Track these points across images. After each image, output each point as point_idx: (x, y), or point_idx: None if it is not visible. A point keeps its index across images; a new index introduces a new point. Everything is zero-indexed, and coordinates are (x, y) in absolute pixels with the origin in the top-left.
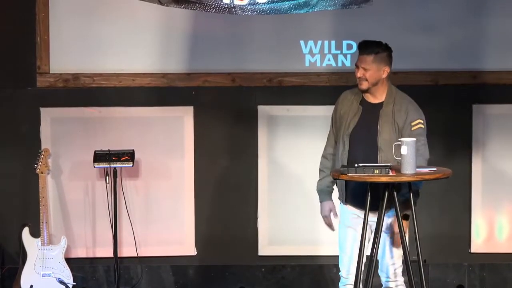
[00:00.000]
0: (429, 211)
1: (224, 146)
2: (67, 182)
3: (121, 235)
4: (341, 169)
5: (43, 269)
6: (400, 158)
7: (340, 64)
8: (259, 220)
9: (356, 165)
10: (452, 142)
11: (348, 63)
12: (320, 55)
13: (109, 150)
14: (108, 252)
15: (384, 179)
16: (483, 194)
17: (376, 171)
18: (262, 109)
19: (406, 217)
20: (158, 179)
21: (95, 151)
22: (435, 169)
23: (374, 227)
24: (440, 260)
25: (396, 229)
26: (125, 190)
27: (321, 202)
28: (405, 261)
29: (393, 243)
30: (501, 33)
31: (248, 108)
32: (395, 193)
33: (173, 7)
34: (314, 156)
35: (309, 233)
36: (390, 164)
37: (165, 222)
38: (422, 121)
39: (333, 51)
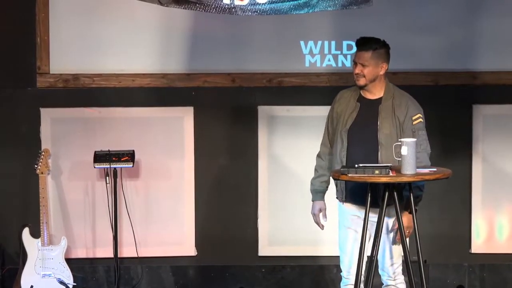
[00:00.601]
0: (429, 211)
1: (224, 147)
2: (67, 182)
3: (121, 235)
4: (341, 169)
5: (43, 269)
6: (400, 159)
7: (340, 64)
8: (259, 220)
9: (356, 165)
10: (452, 142)
11: (348, 64)
12: (320, 55)
13: (109, 151)
14: (108, 253)
15: (384, 179)
16: (483, 194)
17: (376, 172)
18: (262, 110)
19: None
20: (158, 179)
21: (95, 152)
22: (435, 169)
23: (375, 225)
24: (440, 260)
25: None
26: (125, 190)
27: (312, 201)
28: (405, 261)
29: (392, 242)
30: (501, 34)
31: (248, 109)
32: (395, 193)
33: (173, 8)
34: (314, 156)
35: (309, 234)
36: (390, 164)
37: (165, 222)
38: (422, 116)
39: (333, 51)
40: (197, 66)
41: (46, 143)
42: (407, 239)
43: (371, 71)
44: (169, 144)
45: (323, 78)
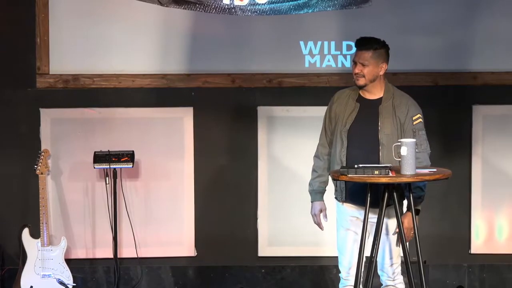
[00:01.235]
0: (429, 212)
1: (224, 147)
2: (67, 183)
3: (121, 236)
4: (340, 169)
5: (43, 270)
6: (399, 159)
7: (340, 65)
8: (258, 220)
9: (356, 166)
10: (452, 142)
11: (348, 64)
12: (320, 55)
13: (109, 151)
14: (108, 253)
15: (383, 180)
16: (483, 195)
17: (376, 172)
18: (262, 110)
19: (417, 212)
20: (158, 180)
21: (95, 152)
22: (435, 169)
23: (374, 226)
24: (440, 261)
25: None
26: (125, 191)
27: (312, 202)
28: (405, 262)
29: (391, 243)
30: (501, 34)
31: (248, 109)
32: (395, 193)
33: (173, 8)
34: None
35: (309, 234)
36: (390, 165)
37: (165, 223)
38: (421, 116)
39: (333, 51)
40: (197, 67)
41: (46, 144)
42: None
43: (371, 71)
44: (169, 145)
45: (323, 78)
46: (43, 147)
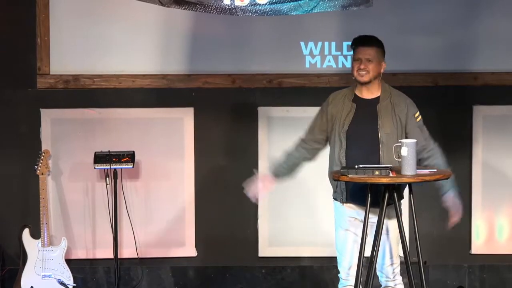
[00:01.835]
0: (429, 212)
1: (224, 147)
2: (67, 183)
3: (121, 236)
4: (341, 170)
5: (43, 270)
6: (400, 159)
7: (340, 65)
8: (259, 221)
9: (356, 166)
10: (452, 143)
11: (348, 64)
12: (320, 56)
13: (109, 151)
14: (108, 253)
15: (384, 180)
16: (483, 195)
17: (376, 172)
18: (262, 110)
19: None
20: (158, 180)
21: (95, 152)
22: (435, 170)
23: (374, 226)
24: (440, 261)
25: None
26: (125, 191)
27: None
28: (405, 263)
29: (391, 243)
30: (501, 34)
31: (248, 109)
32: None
33: (174, 8)
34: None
35: (309, 235)
36: (391, 165)
37: (165, 223)
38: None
39: (333, 52)
40: (197, 67)
41: (46, 144)
42: (407, 240)
43: (375, 67)
44: (169, 145)
45: (323, 79)
46: (43, 148)
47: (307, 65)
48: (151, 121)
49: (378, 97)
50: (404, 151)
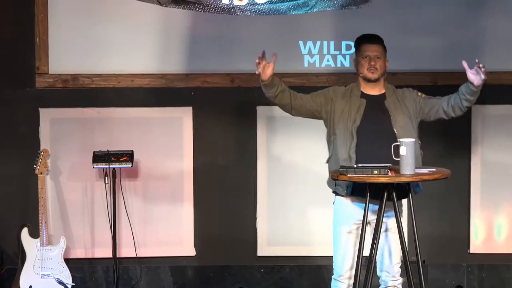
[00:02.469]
0: (428, 212)
1: (223, 147)
2: (66, 182)
3: (120, 235)
4: (340, 169)
5: (42, 269)
6: (398, 159)
7: (339, 64)
8: (258, 220)
9: (355, 165)
10: (451, 142)
11: (347, 64)
12: (319, 55)
13: (108, 151)
14: (107, 253)
15: (383, 179)
16: (482, 195)
17: (375, 172)
18: (261, 110)
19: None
20: (157, 179)
21: (94, 152)
22: (434, 169)
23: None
24: (439, 261)
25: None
26: (124, 190)
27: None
28: (404, 262)
29: (395, 242)
30: (500, 34)
31: (247, 109)
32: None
33: (172, 8)
34: (313, 157)
35: (308, 234)
36: (390, 165)
37: (164, 222)
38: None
39: (332, 51)
40: (196, 67)
41: (45, 143)
42: (406, 239)
43: (382, 64)
44: (168, 144)
45: (322, 78)
46: (42, 147)
47: (306, 65)
48: (150, 121)
49: (384, 93)
50: (403, 150)
